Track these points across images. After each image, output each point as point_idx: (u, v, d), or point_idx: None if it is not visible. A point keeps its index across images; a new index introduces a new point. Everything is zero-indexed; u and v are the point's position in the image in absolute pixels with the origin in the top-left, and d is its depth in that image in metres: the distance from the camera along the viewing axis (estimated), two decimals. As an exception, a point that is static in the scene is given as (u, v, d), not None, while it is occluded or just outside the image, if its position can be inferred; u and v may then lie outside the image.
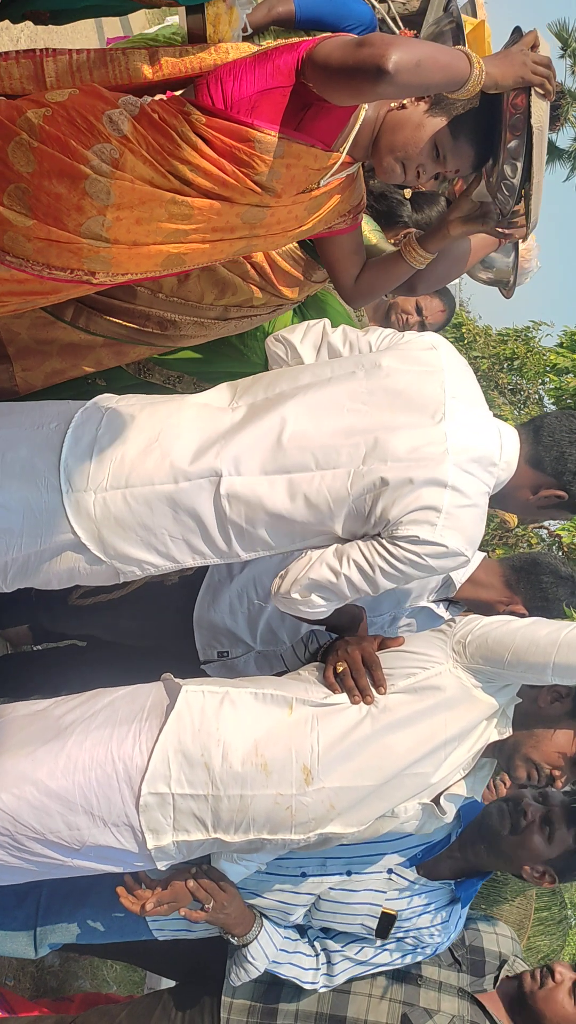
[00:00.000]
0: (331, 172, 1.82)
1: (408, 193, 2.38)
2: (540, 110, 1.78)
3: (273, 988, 2.17)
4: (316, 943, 2.13)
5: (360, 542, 1.77)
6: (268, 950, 2.04)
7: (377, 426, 1.76)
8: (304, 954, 2.10)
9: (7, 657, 2.88)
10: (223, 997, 2.15)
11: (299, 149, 1.72)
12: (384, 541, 1.74)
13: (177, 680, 1.85)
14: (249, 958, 2.03)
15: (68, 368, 2.18)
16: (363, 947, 2.10)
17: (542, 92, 1.76)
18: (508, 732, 1.87)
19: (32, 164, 1.60)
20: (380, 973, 2.17)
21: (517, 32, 1.86)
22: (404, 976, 2.18)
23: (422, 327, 3.05)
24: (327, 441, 1.76)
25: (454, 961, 2.27)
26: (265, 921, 2.06)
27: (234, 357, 2.44)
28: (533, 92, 1.75)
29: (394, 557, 1.72)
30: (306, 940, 2.13)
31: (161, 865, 1.84)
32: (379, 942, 2.09)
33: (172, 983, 2.53)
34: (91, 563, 1.82)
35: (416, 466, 1.71)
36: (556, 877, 2.08)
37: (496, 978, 2.29)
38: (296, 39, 2.37)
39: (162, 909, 1.98)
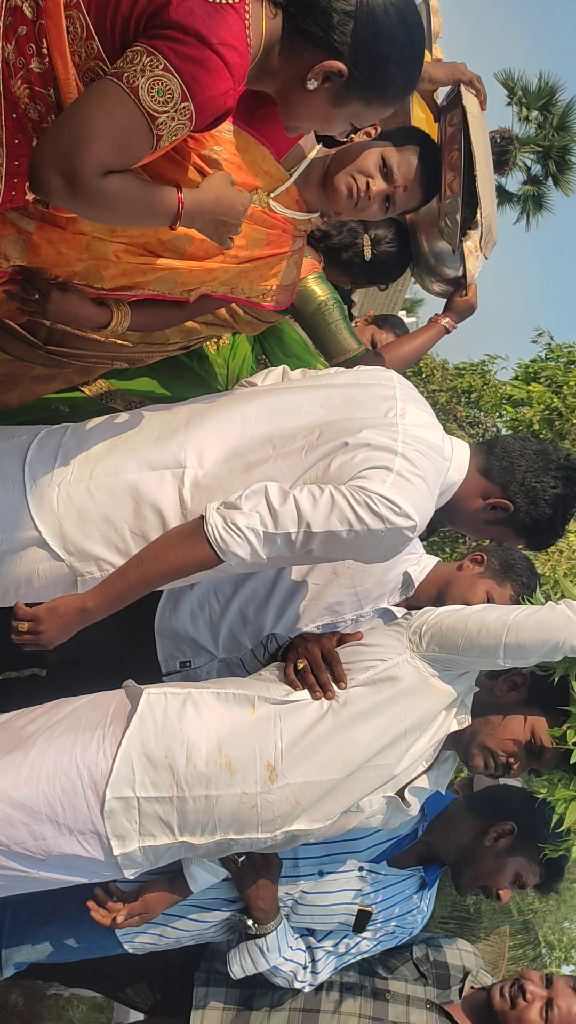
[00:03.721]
0: (280, 190, 1.87)
1: (368, 252, 2.55)
2: (471, 99, 2.07)
3: (243, 1007, 2.16)
4: (302, 939, 2.16)
5: (310, 485, 1.77)
6: (283, 944, 2.06)
7: (334, 419, 1.86)
8: (302, 950, 2.13)
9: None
10: (193, 1012, 2.13)
11: (248, 139, 1.78)
12: (339, 486, 1.74)
13: (139, 686, 1.86)
14: (265, 949, 2.04)
15: (41, 390, 2.30)
16: (342, 939, 2.13)
17: (473, 90, 2.08)
18: (467, 721, 1.90)
19: None
20: (348, 991, 2.19)
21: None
22: (372, 992, 2.20)
23: None
24: (286, 434, 1.86)
25: (420, 975, 2.29)
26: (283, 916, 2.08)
27: (194, 382, 2.59)
28: (463, 88, 2.08)
29: (346, 498, 1.70)
30: (298, 936, 2.15)
31: (128, 873, 1.83)
32: (358, 938, 2.10)
33: (140, 1016, 2.50)
34: (51, 562, 1.84)
35: (368, 437, 1.79)
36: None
37: (460, 990, 2.29)
38: None
39: (133, 921, 1.98)
